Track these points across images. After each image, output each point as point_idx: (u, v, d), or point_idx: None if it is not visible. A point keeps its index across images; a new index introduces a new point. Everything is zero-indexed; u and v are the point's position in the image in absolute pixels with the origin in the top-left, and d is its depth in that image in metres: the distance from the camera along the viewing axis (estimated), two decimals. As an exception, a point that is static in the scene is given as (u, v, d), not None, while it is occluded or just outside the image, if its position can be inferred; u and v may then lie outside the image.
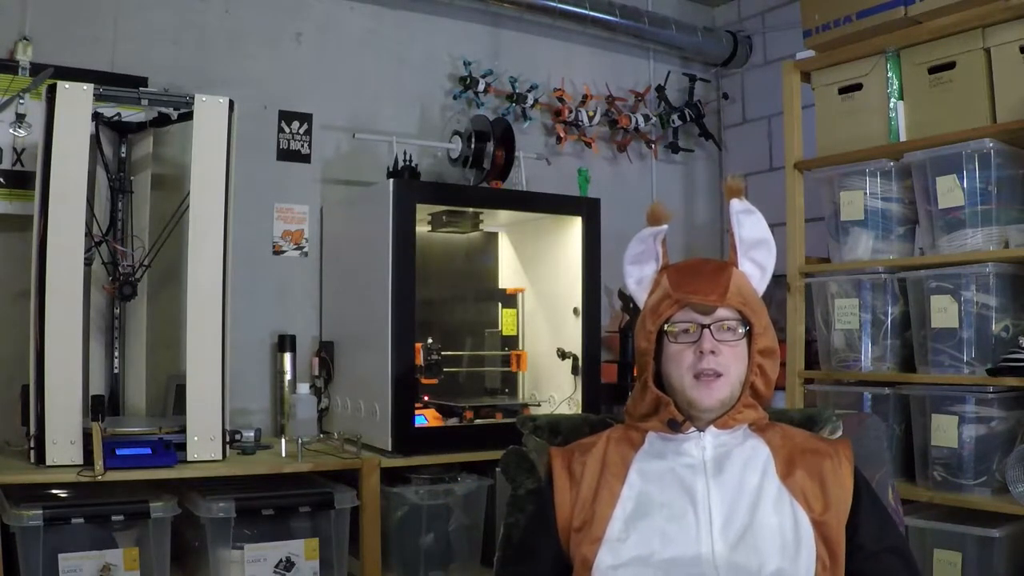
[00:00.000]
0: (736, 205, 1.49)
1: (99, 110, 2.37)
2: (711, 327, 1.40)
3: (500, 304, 3.03)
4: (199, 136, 2.30)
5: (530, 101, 3.29)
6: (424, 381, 2.64)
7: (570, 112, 3.39)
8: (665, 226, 1.51)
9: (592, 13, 3.33)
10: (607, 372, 3.10)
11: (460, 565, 2.53)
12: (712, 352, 1.38)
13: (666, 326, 1.43)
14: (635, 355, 1.50)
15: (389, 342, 2.43)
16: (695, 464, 1.39)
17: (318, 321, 2.97)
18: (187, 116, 2.39)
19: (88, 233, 2.29)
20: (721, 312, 1.41)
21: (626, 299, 3.21)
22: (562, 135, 3.40)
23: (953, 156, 2.40)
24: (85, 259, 2.25)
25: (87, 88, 2.20)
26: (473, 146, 2.91)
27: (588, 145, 3.47)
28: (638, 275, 1.53)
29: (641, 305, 1.52)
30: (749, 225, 1.49)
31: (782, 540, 1.31)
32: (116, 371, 2.51)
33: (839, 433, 1.59)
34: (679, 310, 1.42)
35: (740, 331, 1.41)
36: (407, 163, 2.78)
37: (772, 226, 1.52)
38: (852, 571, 1.33)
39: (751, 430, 1.43)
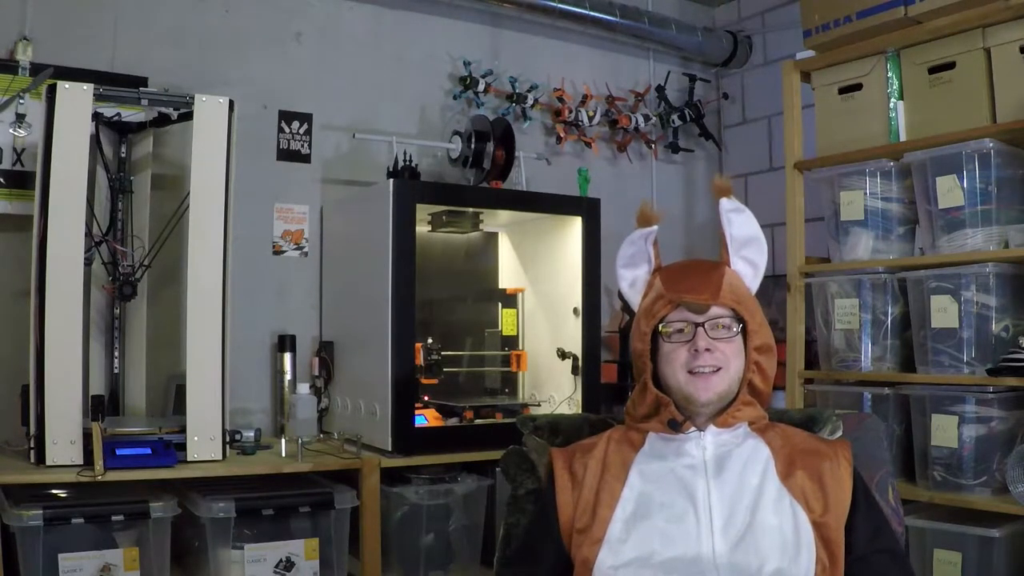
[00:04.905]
0: (726, 204, 1.48)
1: (99, 110, 2.37)
2: (704, 325, 1.40)
3: (500, 304, 3.02)
4: (199, 136, 2.30)
5: (530, 101, 3.29)
6: (424, 381, 2.64)
7: (570, 112, 3.39)
8: (655, 227, 1.51)
9: (592, 13, 3.33)
10: (607, 372, 3.10)
11: (460, 565, 2.53)
12: (707, 350, 1.38)
13: (660, 326, 1.43)
14: (632, 357, 1.50)
15: (389, 342, 2.43)
16: (695, 464, 1.39)
17: (318, 321, 2.97)
18: (187, 116, 2.39)
19: (88, 233, 2.29)
20: (715, 310, 1.41)
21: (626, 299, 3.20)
22: (562, 135, 3.40)
23: (953, 156, 2.40)
24: (85, 259, 2.25)
25: (87, 88, 2.20)
26: (473, 146, 2.91)
27: (588, 145, 3.47)
28: (631, 278, 1.53)
29: (635, 308, 1.52)
30: (739, 223, 1.49)
31: (782, 541, 1.31)
32: (116, 371, 2.51)
33: (839, 433, 1.59)
34: (673, 309, 1.42)
35: (734, 328, 1.42)
36: (407, 163, 2.78)
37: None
38: (846, 572, 1.33)
39: (751, 430, 1.43)
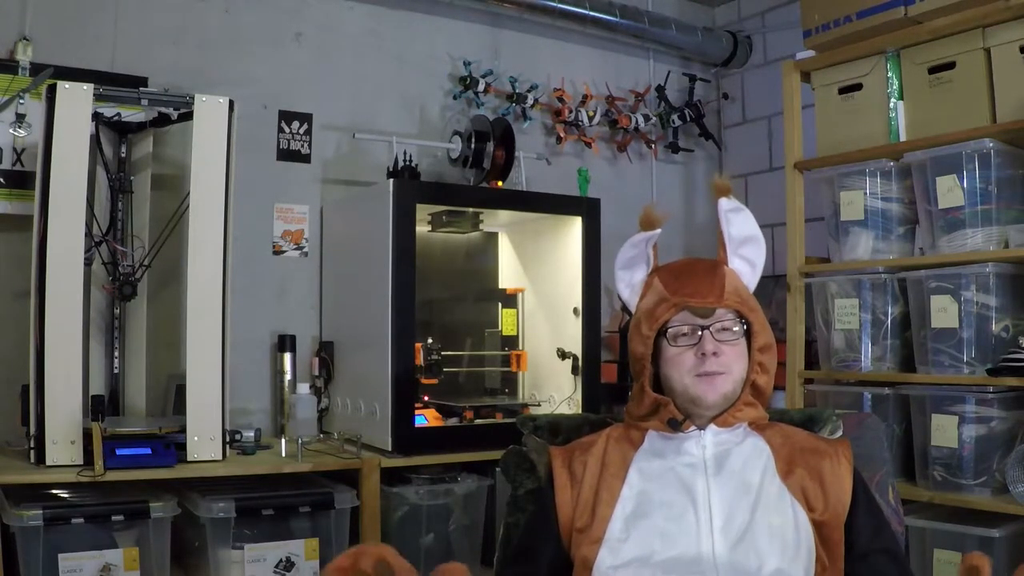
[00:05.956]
0: (725, 204, 1.48)
1: (99, 110, 2.37)
2: (711, 328, 1.40)
3: (500, 304, 3.02)
4: (199, 136, 2.30)
5: (530, 101, 3.29)
6: (424, 381, 2.64)
7: (570, 112, 3.39)
8: (658, 230, 1.50)
9: (592, 13, 3.33)
10: (607, 372, 3.10)
11: (460, 565, 2.53)
12: (715, 354, 1.38)
13: (664, 329, 1.42)
14: (630, 359, 1.49)
15: (389, 342, 2.43)
16: (695, 463, 1.39)
17: (318, 321, 2.97)
18: (187, 116, 2.39)
19: (88, 233, 2.29)
20: (719, 312, 1.40)
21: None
22: (562, 135, 3.40)
23: (953, 156, 2.40)
24: (85, 259, 2.25)
25: (87, 88, 2.20)
26: (473, 146, 2.91)
27: (588, 145, 3.47)
28: (629, 279, 1.52)
29: (633, 309, 1.51)
30: (738, 223, 1.48)
31: (782, 540, 1.31)
32: (116, 371, 2.51)
33: (839, 433, 1.59)
34: (676, 313, 1.41)
35: (738, 330, 1.41)
36: (407, 163, 2.79)
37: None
38: (845, 571, 1.33)
39: (751, 429, 1.43)
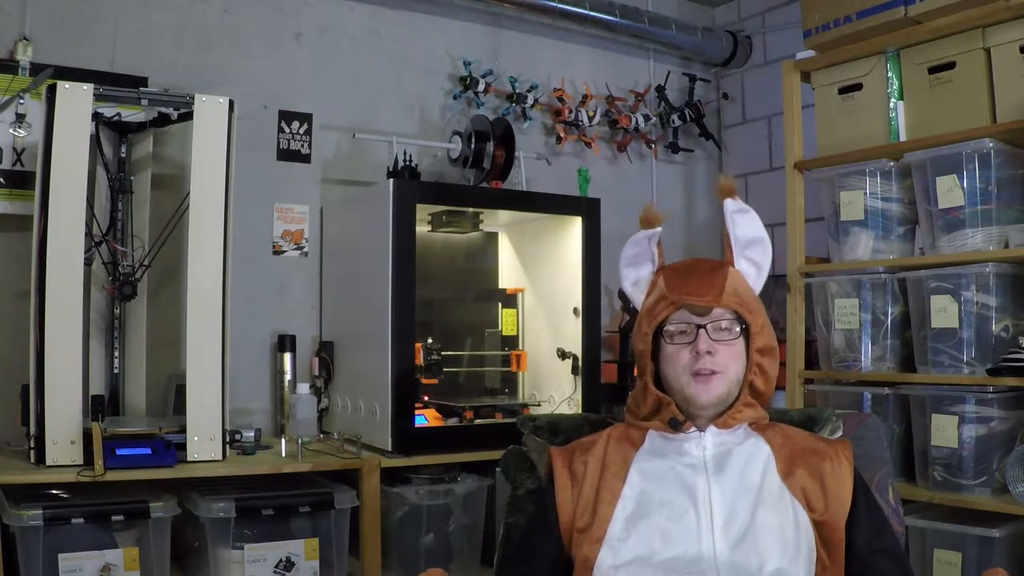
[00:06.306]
0: (730, 205, 1.48)
1: (99, 110, 2.37)
2: (707, 327, 1.40)
3: (500, 304, 3.03)
4: (199, 136, 2.30)
5: (530, 101, 3.29)
6: (424, 381, 2.64)
7: (570, 112, 3.39)
8: (659, 228, 1.51)
9: (592, 13, 3.33)
10: (607, 372, 3.10)
11: (460, 565, 2.53)
12: (709, 352, 1.38)
13: (662, 327, 1.43)
14: (633, 356, 1.50)
15: (389, 342, 2.43)
16: (696, 463, 1.39)
17: (318, 321, 2.97)
18: (187, 116, 2.39)
19: (88, 233, 2.30)
20: (716, 311, 1.41)
21: (626, 299, 3.20)
22: (562, 135, 3.40)
23: (953, 156, 2.40)
24: (85, 259, 2.25)
25: (87, 88, 2.20)
26: (473, 146, 2.91)
27: (588, 145, 3.47)
28: (634, 276, 1.53)
29: (638, 306, 1.52)
30: (744, 224, 1.49)
31: (783, 540, 1.31)
32: (116, 371, 2.51)
33: (839, 433, 1.59)
34: (674, 311, 1.42)
35: (736, 330, 1.41)
36: (407, 163, 2.78)
37: (772, 226, 1.52)
38: (845, 571, 1.33)
39: (752, 429, 1.43)
